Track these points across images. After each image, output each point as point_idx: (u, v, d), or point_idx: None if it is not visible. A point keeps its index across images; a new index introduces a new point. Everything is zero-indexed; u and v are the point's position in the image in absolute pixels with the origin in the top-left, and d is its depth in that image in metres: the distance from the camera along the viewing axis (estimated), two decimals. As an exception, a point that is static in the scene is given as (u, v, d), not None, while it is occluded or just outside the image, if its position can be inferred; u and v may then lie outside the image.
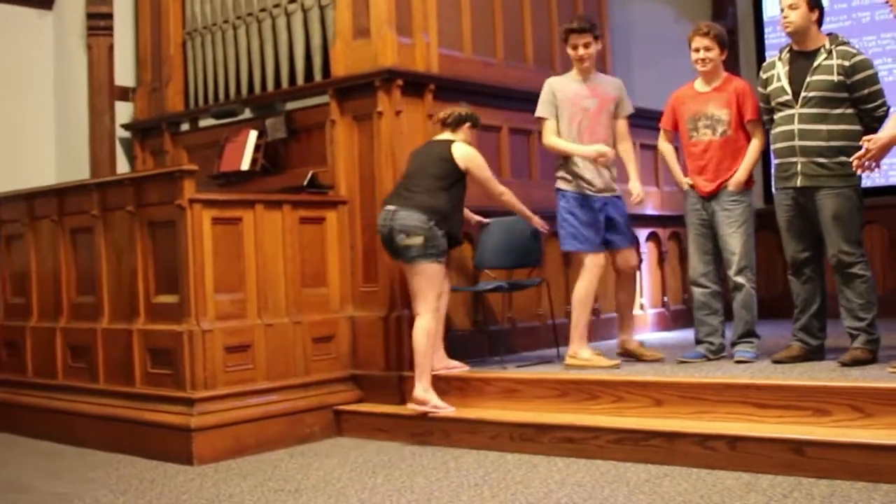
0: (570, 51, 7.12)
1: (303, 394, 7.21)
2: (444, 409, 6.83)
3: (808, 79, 6.28)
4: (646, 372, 6.60)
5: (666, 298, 9.76)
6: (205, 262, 6.81)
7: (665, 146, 7.20)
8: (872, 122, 6.11)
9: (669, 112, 7.12)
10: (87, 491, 5.91)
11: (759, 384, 5.84)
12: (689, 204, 6.99)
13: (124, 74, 9.62)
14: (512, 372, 7.00)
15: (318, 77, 8.03)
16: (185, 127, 9.22)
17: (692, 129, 6.92)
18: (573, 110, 7.06)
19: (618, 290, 7.39)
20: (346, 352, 7.55)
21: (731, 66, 7.01)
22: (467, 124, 7.13)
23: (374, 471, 6.05)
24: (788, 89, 6.35)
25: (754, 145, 6.80)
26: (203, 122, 9.00)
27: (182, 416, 6.63)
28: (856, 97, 6.23)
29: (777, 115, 6.45)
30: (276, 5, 8.34)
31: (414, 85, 7.57)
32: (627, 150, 7.16)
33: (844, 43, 6.35)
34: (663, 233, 9.67)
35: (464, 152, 6.96)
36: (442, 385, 7.02)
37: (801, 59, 6.38)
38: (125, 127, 9.54)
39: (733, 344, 6.83)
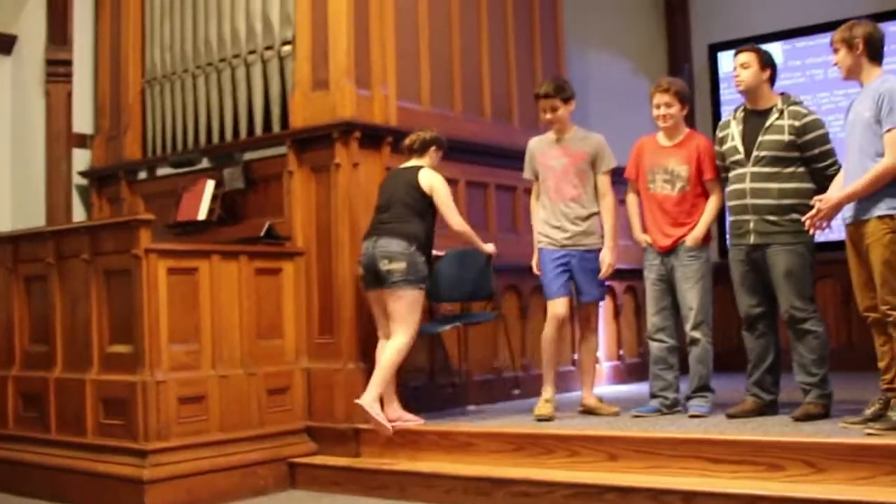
0: (540, 114, 7.22)
1: (257, 446, 7.15)
2: (384, 426, 6.77)
3: (759, 138, 6.36)
4: (600, 426, 6.60)
5: (622, 352, 9.78)
6: (160, 312, 6.77)
7: (631, 199, 7.19)
8: (824, 181, 6.17)
9: (633, 161, 7.15)
10: (36, 544, 5.85)
11: (713, 439, 5.86)
12: (647, 259, 7.02)
13: (82, 121, 9.56)
14: (467, 425, 6.98)
15: (276, 128, 8.03)
16: (142, 175, 9.17)
17: (650, 180, 6.96)
18: (543, 170, 7.20)
19: (579, 344, 7.40)
20: (300, 404, 7.51)
21: (687, 120, 7.05)
22: (433, 147, 7.25)
23: (327, 524, 6.03)
24: (741, 148, 6.43)
25: (712, 202, 6.83)
26: (161, 171, 8.96)
27: (135, 468, 6.56)
28: (807, 156, 6.31)
29: (731, 174, 6.53)
30: (236, 55, 8.35)
31: (372, 137, 7.59)
32: (605, 206, 7.15)
33: (796, 103, 6.44)
34: (619, 286, 9.70)
35: (429, 177, 7.09)
36: (397, 438, 7.00)
37: (753, 118, 6.46)
38: (82, 174, 9.48)
39: (688, 398, 6.85)
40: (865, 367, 6.63)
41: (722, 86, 11.33)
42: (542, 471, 6.32)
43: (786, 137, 6.30)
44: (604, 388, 8.93)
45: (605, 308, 9.44)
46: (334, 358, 7.42)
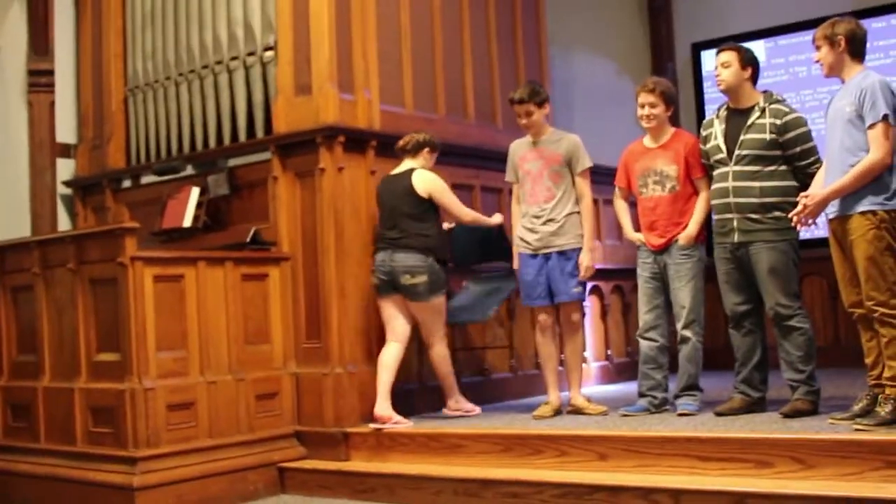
0: (517, 118, 7.27)
1: (246, 451, 7.15)
2: (475, 411, 7.52)
3: (741, 137, 6.38)
4: (589, 426, 6.61)
5: (609, 352, 9.79)
6: (146, 320, 6.76)
7: (619, 203, 7.23)
8: (807, 179, 6.19)
9: (622, 169, 7.17)
10: (26, 554, 5.84)
11: (701, 437, 5.87)
12: (640, 257, 7.04)
13: (66, 131, 9.55)
14: (456, 427, 6.99)
15: (260, 134, 8.02)
16: (126, 184, 9.16)
17: (642, 185, 6.98)
18: (522, 173, 7.30)
19: (562, 345, 7.42)
20: (289, 408, 7.51)
21: (671, 119, 7.06)
22: (426, 149, 7.43)
23: (318, 529, 6.03)
24: (724, 147, 6.45)
25: (702, 200, 6.82)
26: (145, 179, 8.95)
27: (124, 476, 6.56)
28: (789, 155, 6.33)
29: (714, 173, 6.54)
30: (218, 62, 8.34)
31: (356, 141, 7.59)
32: (583, 208, 7.18)
33: (778, 101, 6.46)
34: (606, 286, 9.71)
35: (424, 179, 7.31)
36: (386, 441, 7.02)
37: (736, 117, 6.48)
38: (66, 184, 9.47)
39: (676, 396, 6.86)
40: (853, 364, 6.66)
41: (705, 84, 11.33)
42: (532, 471, 6.33)
43: (767, 136, 6.32)
44: (592, 388, 8.94)
45: (592, 308, 9.46)
46: (322, 362, 7.41)
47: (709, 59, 11.12)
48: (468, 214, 7.55)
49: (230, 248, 7.56)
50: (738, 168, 6.37)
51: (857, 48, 5.80)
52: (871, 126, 5.55)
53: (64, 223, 9.46)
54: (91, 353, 7.05)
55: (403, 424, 7.14)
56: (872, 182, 5.56)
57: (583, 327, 7.53)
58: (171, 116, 8.79)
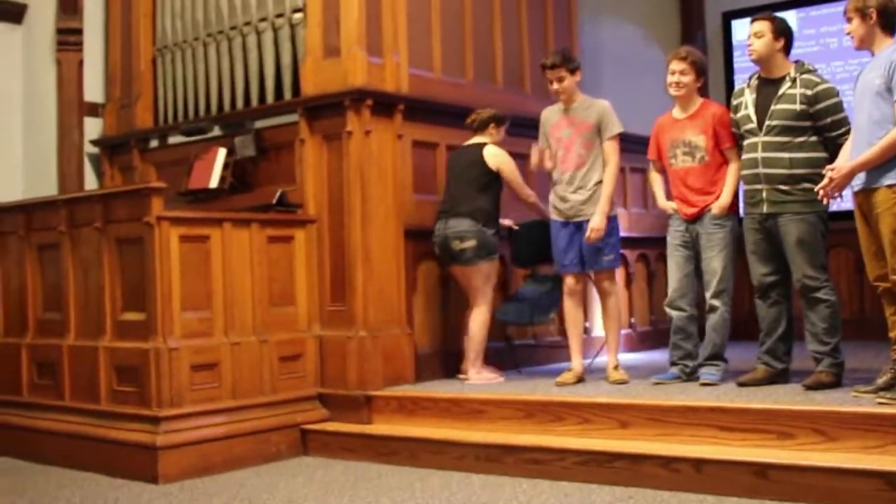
0: (549, 84, 7.27)
1: (269, 412, 7.19)
2: (496, 378, 7.57)
3: (771, 107, 6.34)
4: (611, 394, 6.61)
5: (633, 320, 9.79)
6: (172, 280, 6.79)
7: (653, 176, 7.25)
8: (837, 150, 6.14)
9: (653, 141, 7.16)
10: (50, 510, 5.89)
11: (723, 407, 5.87)
12: (672, 226, 7.02)
13: (94, 90, 9.56)
14: (479, 393, 7.00)
15: (287, 96, 8.02)
16: (154, 144, 9.18)
17: (672, 156, 6.97)
18: (553, 140, 7.32)
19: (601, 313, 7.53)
20: (312, 371, 7.54)
21: (700, 88, 7.02)
22: (492, 125, 7.63)
23: (339, 491, 6.05)
24: (754, 117, 6.42)
25: (732, 170, 6.79)
26: (172, 140, 8.97)
27: (148, 435, 6.61)
28: (819, 125, 6.29)
29: (744, 143, 6.52)
30: (247, 23, 8.33)
31: (383, 105, 7.58)
32: (606, 172, 7.17)
33: (809, 71, 6.41)
34: (631, 255, 9.70)
35: (495, 154, 7.59)
36: (409, 405, 7.06)
37: (767, 87, 6.44)
38: (94, 143, 9.49)
39: (700, 365, 6.86)
40: (878, 337, 6.62)
41: (735, 53, 11.27)
42: (553, 438, 6.35)
43: (797, 107, 6.28)
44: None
45: (617, 276, 9.42)
46: (346, 325, 7.43)
47: (739, 28, 11.07)
48: (530, 196, 7.73)
49: (256, 210, 7.57)
50: (767, 138, 6.34)
51: (888, 21, 5.75)
52: (900, 99, 5.52)
53: (91, 182, 9.49)
54: (116, 312, 7.09)
55: (497, 379, 7.55)
56: (900, 155, 5.53)
57: (617, 295, 7.49)
58: (199, 77, 8.79)
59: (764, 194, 6.36)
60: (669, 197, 7.08)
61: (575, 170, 7.16)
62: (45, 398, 7.57)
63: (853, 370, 6.61)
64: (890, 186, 5.53)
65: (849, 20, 5.83)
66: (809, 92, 6.28)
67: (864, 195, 5.70)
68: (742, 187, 6.63)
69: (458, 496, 5.76)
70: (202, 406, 6.86)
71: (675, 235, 7.00)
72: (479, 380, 7.50)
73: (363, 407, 7.28)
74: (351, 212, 7.40)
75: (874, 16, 5.71)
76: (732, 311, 6.91)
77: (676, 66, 6.91)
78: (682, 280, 6.96)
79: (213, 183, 8.10)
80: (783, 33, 6.45)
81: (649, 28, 11.39)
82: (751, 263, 6.60)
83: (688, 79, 6.89)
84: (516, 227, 7.96)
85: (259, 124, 8.18)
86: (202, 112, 8.75)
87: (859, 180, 5.69)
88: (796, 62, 6.46)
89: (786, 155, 6.29)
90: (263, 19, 8.20)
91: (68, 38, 9.45)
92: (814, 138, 6.30)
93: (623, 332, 9.56)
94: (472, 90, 8.41)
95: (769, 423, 5.65)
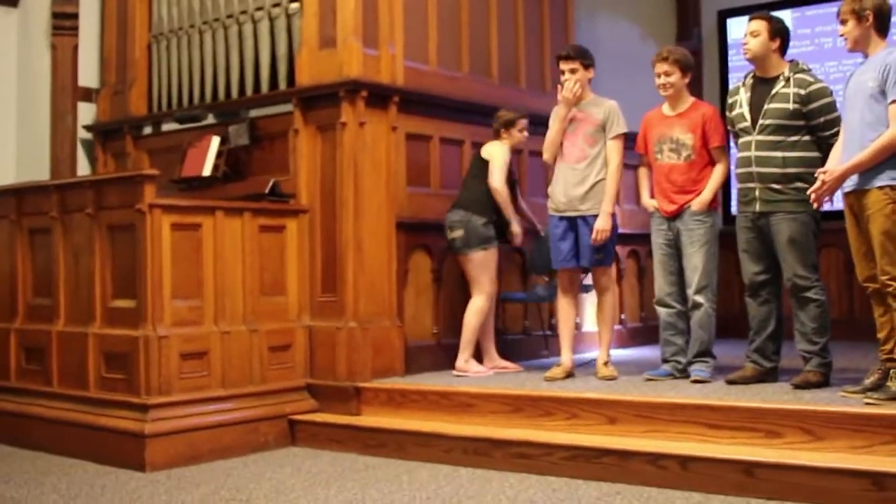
0: (561, 76, 7.29)
1: (258, 402, 7.18)
2: (484, 372, 7.61)
3: (765, 106, 6.36)
4: (600, 389, 6.62)
5: (623, 316, 9.79)
6: (163, 268, 6.79)
7: (641, 170, 7.27)
8: (829, 150, 6.15)
9: (641, 136, 7.19)
10: (36, 496, 5.87)
11: (711, 405, 5.89)
12: (654, 224, 7.05)
13: (88, 75, 9.54)
14: (468, 386, 7.01)
15: (282, 85, 8.01)
16: (147, 130, 9.16)
17: (657, 151, 6.99)
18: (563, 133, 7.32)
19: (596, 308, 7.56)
20: (302, 361, 7.54)
21: (694, 86, 7.05)
22: (503, 130, 7.79)
23: (327, 482, 6.05)
24: (748, 116, 6.43)
25: (719, 169, 6.86)
26: (166, 127, 8.95)
27: (136, 422, 6.60)
28: (812, 125, 6.30)
29: (738, 141, 6.53)
30: (243, 12, 8.31)
31: (378, 97, 7.58)
32: (609, 171, 7.16)
33: (804, 70, 6.42)
34: (622, 251, 9.69)
35: (491, 147, 7.75)
36: (397, 397, 7.06)
37: (761, 86, 6.46)
38: (87, 128, 9.47)
39: (689, 363, 6.87)
40: (867, 337, 6.64)
41: (730, 52, 11.26)
42: (542, 433, 6.35)
43: (790, 106, 6.29)
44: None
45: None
46: (336, 316, 7.43)
47: (734, 26, 11.06)
48: (499, 183, 7.59)
49: (249, 199, 7.56)
50: (761, 137, 6.35)
51: (883, 23, 5.77)
52: (893, 102, 5.52)
53: (83, 168, 9.47)
54: (106, 298, 7.09)
55: (484, 373, 7.60)
56: (891, 157, 5.54)
57: (614, 291, 7.51)
58: (194, 64, 8.77)
59: (757, 193, 6.37)
60: (653, 194, 7.10)
61: (575, 163, 7.17)
62: (33, 384, 7.56)
63: (842, 370, 6.64)
64: (881, 188, 5.55)
65: (843, 22, 5.84)
66: (803, 91, 6.29)
67: (856, 196, 5.71)
68: (735, 186, 6.65)
69: (445, 489, 5.76)
70: (191, 395, 6.85)
71: (658, 234, 7.03)
72: (467, 371, 7.53)
73: (352, 398, 7.28)
74: (343, 203, 7.40)
75: (870, 18, 5.72)
76: (721, 309, 6.92)
77: (660, 67, 6.97)
78: (669, 277, 6.98)
79: (207, 171, 8.09)
80: (780, 34, 6.46)
81: (645, 26, 11.38)
82: (742, 262, 6.61)
83: (674, 78, 6.92)
84: (542, 234, 8.03)
85: (253, 113, 8.16)
86: (196, 100, 8.73)
87: (851, 181, 5.71)
88: (791, 62, 6.48)
89: (779, 154, 6.31)
90: (260, 8, 8.19)
91: (64, 23, 9.43)
92: (807, 138, 6.32)
93: (614, 328, 9.59)
94: (467, 84, 8.41)
95: (757, 422, 5.67)
